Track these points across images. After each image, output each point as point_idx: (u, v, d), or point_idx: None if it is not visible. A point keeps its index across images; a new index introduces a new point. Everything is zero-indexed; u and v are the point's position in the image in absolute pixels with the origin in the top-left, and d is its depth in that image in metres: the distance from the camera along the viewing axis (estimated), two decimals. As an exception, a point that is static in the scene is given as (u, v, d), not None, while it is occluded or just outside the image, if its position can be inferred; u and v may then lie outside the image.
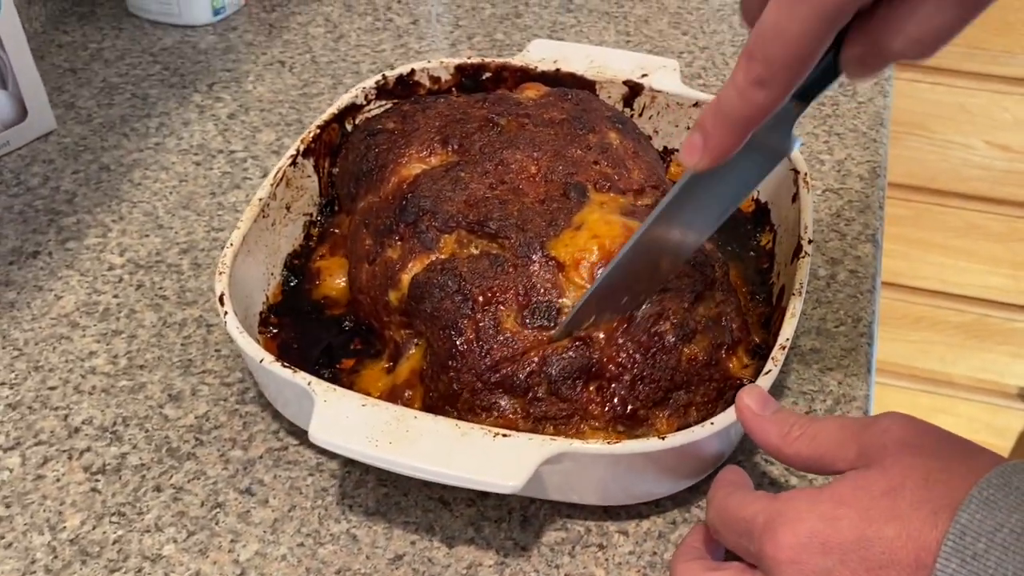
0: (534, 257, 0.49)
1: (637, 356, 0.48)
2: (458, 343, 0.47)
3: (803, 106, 0.41)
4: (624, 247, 0.47)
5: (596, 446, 0.44)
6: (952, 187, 1.31)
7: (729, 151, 0.39)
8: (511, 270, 0.48)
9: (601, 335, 0.48)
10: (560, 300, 0.48)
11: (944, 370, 1.52)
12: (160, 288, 0.62)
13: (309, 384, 0.46)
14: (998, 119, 1.24)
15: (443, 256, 0.51)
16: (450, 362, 0.47)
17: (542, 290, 0.48)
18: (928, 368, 1.52)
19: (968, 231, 1.35)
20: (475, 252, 0.50)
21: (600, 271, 0.48)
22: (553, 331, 0.48)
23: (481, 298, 0.48)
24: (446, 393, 0.47)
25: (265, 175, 0.67)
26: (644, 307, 0.49)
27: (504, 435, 0.43)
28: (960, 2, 0.35)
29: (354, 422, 0.44)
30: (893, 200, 1.34)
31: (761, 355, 0.52)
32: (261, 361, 0.47)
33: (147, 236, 0.66)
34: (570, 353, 0.47)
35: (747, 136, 0.39)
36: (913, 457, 0.37)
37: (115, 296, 0.62)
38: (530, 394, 0.47)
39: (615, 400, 0.47)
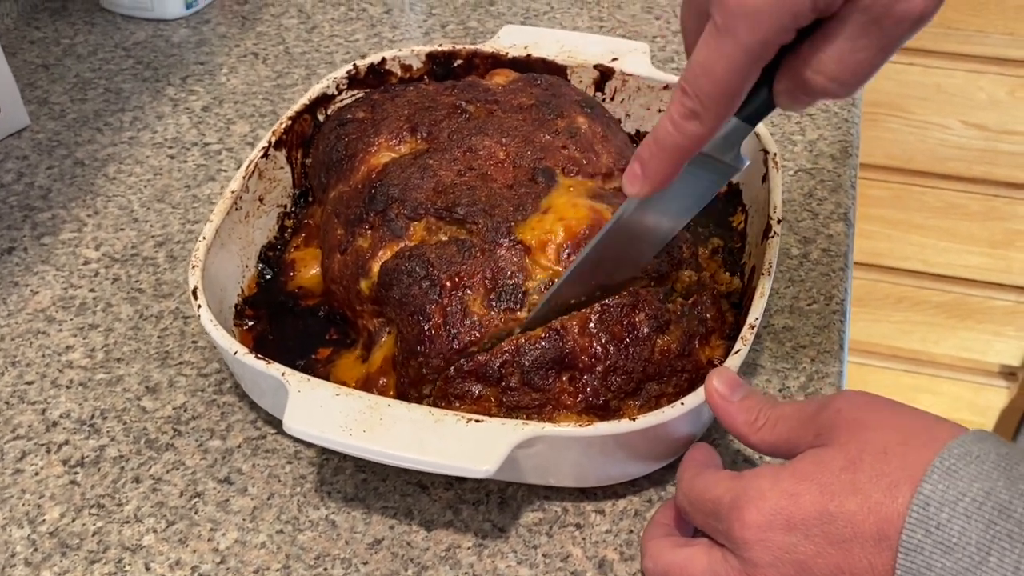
0: (502, 241, 0.49)
1: (611, 347, 0.48)
2: (426, 328, 0.47)
3: (749, 128, 0.43)
4: (583, 250, 0.48)
5: (569, 429, 0.44)
6: (930, 167, 1.32)
7: (667, 179, 0.42)
8: (479, 255, 0.49)
9: (575, 324, 0.48)
10: (527, 283, 0.48)
11: (926, 350, 1.53)
12: (136, 281, 0.62)
13: (283, 375, 0.46)
14: (974, 98, 1.24)
15: (412, 243, 0.51)
16: (419, 347, 0.47)
17: (509, 273, 0.48)
18: (910, 348, 1.53)
19: (947, 211, 1.35)
20: (444, 238, 0.51)
21: (568, 263, 0.49)
22: (520, 313, 0.48)
23: (448, 283, 0.48)
24: (416, 378, 0.48)
25: (240, 167, 0.68)
26: (615, 299, 0.49)
27: (477, 420, 0.44)
28: (876, 42, 0.36)
29: (328, 411, 0.44)
30: (872, 182, 1.35)
31: (732, 335, 0.53)
32: (235, 353, 0.47)
33: (122, 230, 0.66)
34: (543, 343, 0.48)
35: (682, 165, 0.41)
36: (869, 432, 0.38)
37: (91, 290, 0.62)
38: (503, 383, 0.48)
39: (588, 391, 0.48)
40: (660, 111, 0.66)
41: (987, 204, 1.33)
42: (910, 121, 1.28)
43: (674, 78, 0.65)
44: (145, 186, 0.70)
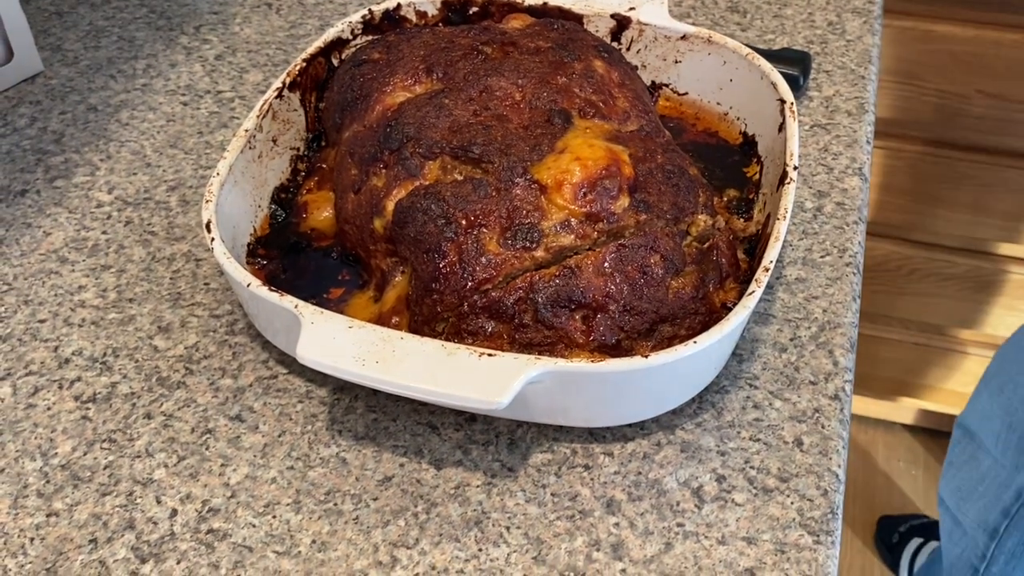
0: (517, 180, 0.49)
1: (625, 287, 0.48)
2: (441, 265, 0.47)
3: None
4: None
5: (581, 365, 0.44)
6: (946, 137, 1.31)
7: None
8: (494, 193, 0.49)
9: (590, 264, 0.48)
10: (542, 222, 0.48)
11: (938, 323, 1.52)
12: (149, 224, 0.62)
13: (296, 307, 0.46)
14: (992, 68, 1.23)
15: (427, 182, 0.51)
16: (433, 284, 0.47)
17: (524, 212, 0.48)
18: (922, 321, 1.53)
19: (961, 181, 1.34)
20: (459, 177, 0.50)
21: (585, 203, 0.48)
22: (537, 252, 0.48)
23: (464, 221, 0.48)
24: (429, 316, 0.48)
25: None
26: (630, 239, 0.49)
27: (490, 354, 0.44)
28: None
29: (341, 343, 0.44)
30: (886, 151, 1.34)
31: (746, 280, 0.52)
32: (248, 285, 0.47)
33: (135, 174, 0.66)
34: (557, 281, 0.48)
35: None
36: None
37: (104, 232, 0.62)
38: (516, 320, 0.47)
39: (600, 330, 0.48)
40: (677, 62, 0.65)
41: (1000, 175, 1.32)
42: (925, 89, 1.27)
43: (692, 28, 0.64)
44: (158, 132, 0.70)
